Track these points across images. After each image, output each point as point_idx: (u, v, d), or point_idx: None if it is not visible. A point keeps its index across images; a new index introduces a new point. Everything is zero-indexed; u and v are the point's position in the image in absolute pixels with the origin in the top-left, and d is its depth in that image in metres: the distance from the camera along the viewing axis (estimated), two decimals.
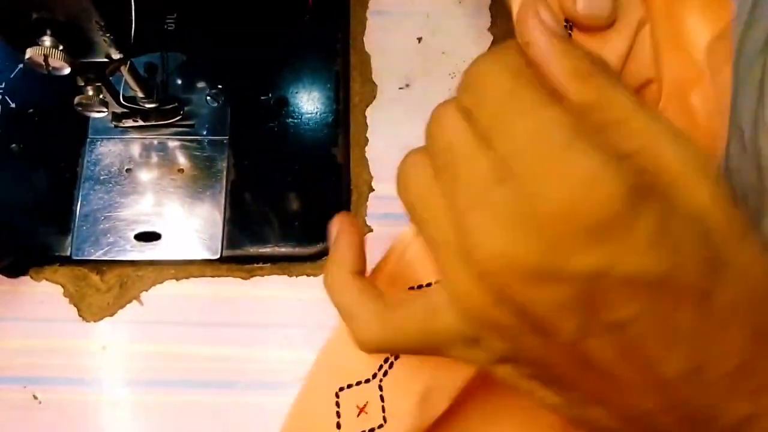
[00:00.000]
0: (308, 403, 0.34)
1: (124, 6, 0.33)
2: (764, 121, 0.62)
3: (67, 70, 0.33)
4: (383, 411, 0.33)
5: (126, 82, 0.42)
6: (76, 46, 0.34)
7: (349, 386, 0.33)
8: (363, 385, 0.34)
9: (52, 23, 0.32)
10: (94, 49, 0.34)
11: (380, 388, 0.33)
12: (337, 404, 0.32)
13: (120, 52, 0.35)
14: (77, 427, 0.41)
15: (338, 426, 0.32)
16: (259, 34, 0.49)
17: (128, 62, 0.39)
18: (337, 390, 0.33)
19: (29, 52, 0.32)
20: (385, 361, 0.33)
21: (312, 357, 0.41)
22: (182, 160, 0.46)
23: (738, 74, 0.68)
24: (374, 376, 0.34)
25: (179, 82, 0.47)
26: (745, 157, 0.65)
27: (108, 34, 0.33)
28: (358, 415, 0.33)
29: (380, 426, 0.33)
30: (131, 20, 0.34)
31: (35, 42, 0.32)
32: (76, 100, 0.40)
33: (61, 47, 0.32)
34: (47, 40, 0.32)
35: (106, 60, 0.35)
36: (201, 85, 0.47)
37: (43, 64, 0.32)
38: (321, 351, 0.34)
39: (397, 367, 0.33)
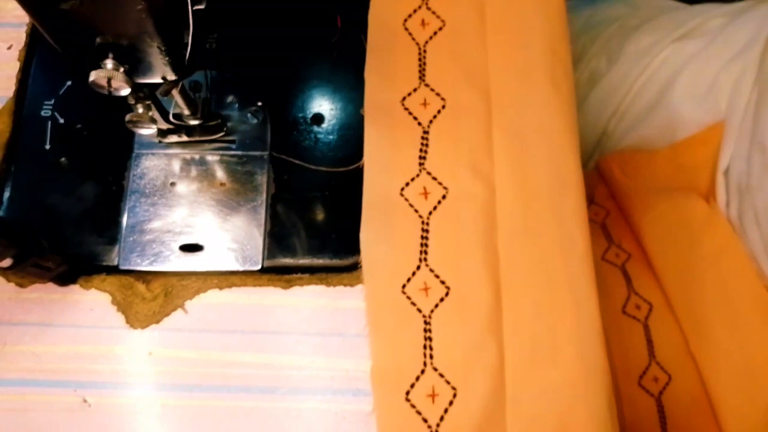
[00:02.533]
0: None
1: (182, 30, 0.36)
2: None
3: (127, 91, 0.35)
4: (453, 389, 0.40)
5: (175, 101, 0.43)
6: (134, 68, 0.36)
7: (412, 385, 0.39)
8: (421, 376, 0.39)
9: (114, 47, 0.34)
10: (151, 70, 0.36)
11: (435, 369, 0.39)
12: (413, 406, 0.38)
13: (175, 74, 0.37)
14: (125, 430, 0.43)
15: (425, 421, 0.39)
16: (295, 54, 0.51)
17: (180, 83, 0.41)
18: (405, 395, 0.39)
19: (93, 75, 0.34)
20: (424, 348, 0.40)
21: (348, 364, 0.43)
22: (224, 174, 0.48)
23: (759, 90, 0.69)
24: (424, 364, 0.39)
25: (221, 99, 0.49)
26: (766, 173, 0.65)
27: (167, 57, 0.35)
28: (433, 402, 0.38)
29: (453, 397, 0.40)
30: (187, 43, 0.36)
31: (98, 65, 0.34)
32: (128, 117, 0.42)
33: (122, 70, 0.34)
34: (109, 63, 0.34)
35: (162, 81, 0.37)
36: (241, 102, 0.49)
37: (106, 85, 0.34)
38: (372, 374, 0.41)
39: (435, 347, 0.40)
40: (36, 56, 0.52)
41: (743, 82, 0.70)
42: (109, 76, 0.34)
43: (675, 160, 0.74)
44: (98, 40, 0.34)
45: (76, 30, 0.33)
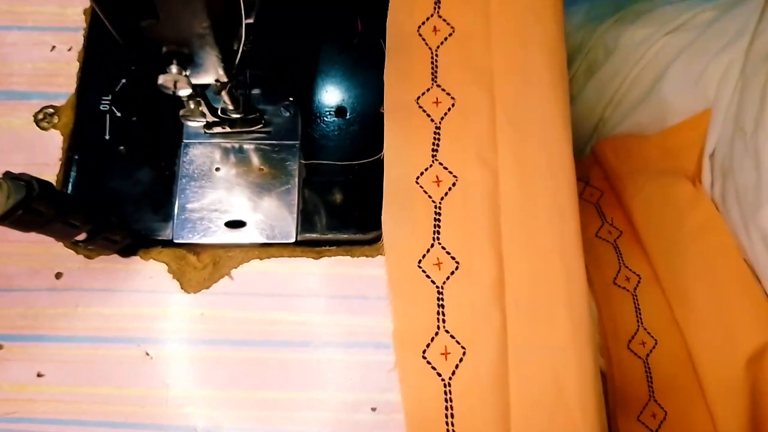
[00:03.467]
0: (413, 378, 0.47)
1: (233, 40, 0.42)
2: (764, 123, 0.69)
3: (188, 92, 0.42)
4: (462, 348, 0.46)
5: (222, 97, 0.50)
6: (193, 71, 0.43)
7: (428, 345, 0.46)
8: (435, 338, 0.47)
9: (178, 55, 0.41)
10: (207, 73, 0.43)
11: (447, 332, 0.46)
12: (429, 362, 0.46)
13: (227, 76, 0.43)
14: (181, 377, 0.49)
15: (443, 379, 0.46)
16: (320, 55, 0.58)
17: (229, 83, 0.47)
18: (422, 354, 0.47)
19: (161, 79, 0.40)
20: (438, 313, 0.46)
21: (371, 322, 0.50)
22: (261, 161, 0.54)
23: (744, 80, 0.75)
24: (438, 327, 0.46)
25: (258, 95, 0.56)
26: (746, 156, 0.72)
27: (222, 63, 0.41)
28: (446, 359, 0.46)
29: (463, 355, 0.47)
30: (237, 51, 0.43)
31: (164, 70, 0.41)
32: (181, 112, 0.49)
33: (184, 74, 0.41)
34: (174, 68, 0.41)
35: (215, 82, 0.44)
36: (276, 98, 0.55)
37: (172, 87, 0.41)
38: (394, 336, 0.48)
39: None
40: (93, 57, 0.58)
41: (730, 73, 0.75)
42: (175, 79, 0.40)
43: (664, 145, 0.79)
44: (164, 49, 0.40)
45: (148, 41, 0.40)
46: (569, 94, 0.56)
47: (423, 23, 0.55)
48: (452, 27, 0.55)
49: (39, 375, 0.50)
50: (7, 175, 0.41)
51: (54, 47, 0.58)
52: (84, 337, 0.51)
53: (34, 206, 0.40)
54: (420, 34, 0.55)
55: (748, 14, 0.77)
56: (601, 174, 0.80)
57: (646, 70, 0.84)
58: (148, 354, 0.50)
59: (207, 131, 0.54)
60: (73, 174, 0.55)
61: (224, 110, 0.52)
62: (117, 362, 0.50)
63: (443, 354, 0.47)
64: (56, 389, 0.50)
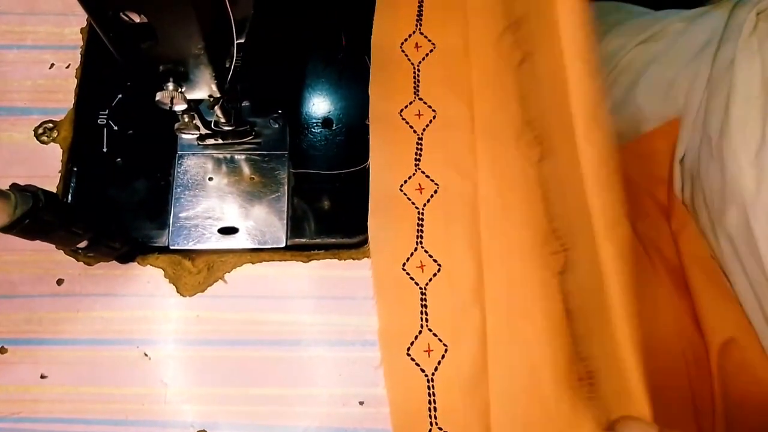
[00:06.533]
0: (398, 377, 0.49)
1: (225, 58, 0.45)
2: (729, 130, 0.73)
3: (184, 107, 0.45)
4: (444, 345, 0.49)
5: (215, 111, 0.53)
6: (188, 88, 0.45)
7: (412, 343, 0.49)
8: (419, 336, 0.49)
9: (174, 73, 0.44)
10: (201, 89, 0.46)
11: (430, 330, 0.49)
12: (413, 359, 0.48)
13: (219, 92, 0.46)
14: (178, 376, 0.52)
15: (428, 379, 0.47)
16: (307, 69, 0.61)
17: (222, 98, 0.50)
18: (406, 351, 0.49)
19: (159, 95, 0.43)
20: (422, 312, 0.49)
21: (358, 321, 0.53)
22: (251, 170, 0.57)
23: (710, 88, 0.79)
24: (421, 326, 0.48)
25: (248, 108, 0.58)
26: (712, 162, 0.76)
27: (215, 80, 0.44)
28: (429, 356, 0.48)
29: (445, 352, 0.49)
30: (229, 68, 0.46)
31: (161, 87, 0.44)
32: (176, 125, 0.52)
33: (180, 90, 0.44)
34: (170, 86, 0.44)
35: (208, 97, 0.47)
36: (265, 110, 0.58)
37: (168, 103, 0.44)
38: (379, 336, 0.50)
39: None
40: (90, 74, 0.61)
41: (698, 81, 0.78)
42: (171, 96, 0.43)
43: (639, 152, 0.82)
44: (161, 67, 0.43)
45: (146, 60, 0.43)
46: None
47: (405, 40, 0.58)
48: (433, 43, 0.58)
49: (42, 376, 0.52)
50: (14, 186, 0.43)
51: (53, 65, 0.61)
52: (85, 340, 0.53)
53: (40, 216, 0.43)
54: (403, 50, 0.58)
55: (714, 25, 0.80)
56: None
57: (620, 79, 0.87)
58: (146, 355, 0.52)
59: (200, 143, 0.57)
60: (72, 185, 0.57)
61: (216, 123, 0.54)
62: (117, 363, 0.52)
63: (426, 351, 0.50)
64: (59, 389, 0.52)
